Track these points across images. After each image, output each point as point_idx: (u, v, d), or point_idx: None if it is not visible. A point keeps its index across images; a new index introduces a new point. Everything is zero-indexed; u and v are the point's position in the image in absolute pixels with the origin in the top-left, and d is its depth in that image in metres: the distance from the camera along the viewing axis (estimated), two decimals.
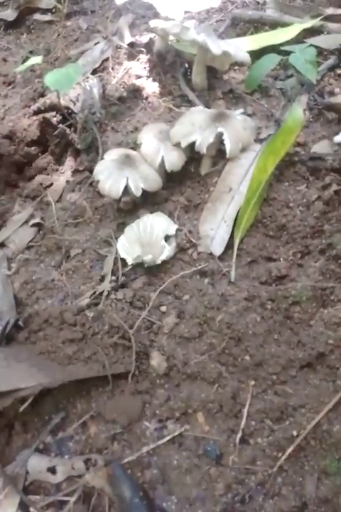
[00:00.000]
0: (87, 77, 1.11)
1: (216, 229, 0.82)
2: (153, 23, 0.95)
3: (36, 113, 1.07)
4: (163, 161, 0.84)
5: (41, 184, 1.05)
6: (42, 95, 1.16)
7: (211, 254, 0.82)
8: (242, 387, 0.74)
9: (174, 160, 0.84)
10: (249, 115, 0.97)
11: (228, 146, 0.81)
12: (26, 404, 0.73)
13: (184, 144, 0.83)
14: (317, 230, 0.77)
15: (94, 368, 0.75)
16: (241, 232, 0.82)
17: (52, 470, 0.72)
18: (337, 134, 0.86)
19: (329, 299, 0.72)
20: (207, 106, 1.00)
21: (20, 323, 0.83)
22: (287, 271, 0.76)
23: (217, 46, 0.86)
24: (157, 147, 0.83)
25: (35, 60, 0.88)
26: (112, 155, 0.83)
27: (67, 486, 0.71)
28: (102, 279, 0.84)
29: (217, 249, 0.81)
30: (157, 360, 0.75)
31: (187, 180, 0.90)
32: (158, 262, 0.79)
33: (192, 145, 0.83)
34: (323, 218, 0.77)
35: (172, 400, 0.73)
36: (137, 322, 0.77)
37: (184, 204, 0.88)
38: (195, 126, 0.82)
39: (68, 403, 0.77)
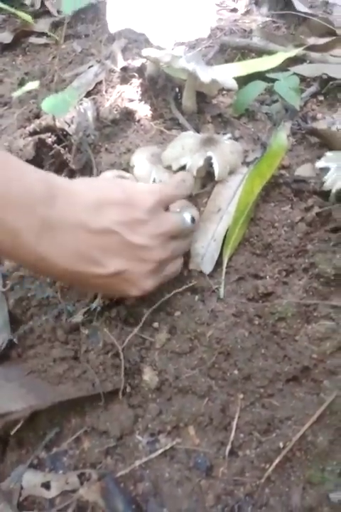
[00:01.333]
0: (81, 100, 1.15)
1: (206, 247, 0.86)
2: (145, 51, 1.00)
3: (32, 134, 1.10)
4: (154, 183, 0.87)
5: None
6: (37, 116, 1.20)
7: (201, 271, 0.86)
8: (231, 401, 0.76)
9: (165, 181, 0.88)
10: (237, 139, 1.02)
11: (216, 170, 0.85)
12: (18, 426, 0.74)
13: (175, 166, 0.87)
14: (300, 249, 0.81)
15: (83, 388, 0.77)
16: (229, 251, 0.86)
17: (47, 485, 0.74)
18: (319, 158, 0.91)
19: (312, 315, 0.75)
20: (197, 129, 1.04)
21: (15, 340, 0.85)
22: (273, 288, 0.80)
23: (206, 74, 0.91)
24: (149, 170, 0.87)
25: (32, 85, 0.92)
26: (106, 176, 0.87)
27: (61, 500, 0.72)
28: (96, 296, 0.86)
29: (207, 267, 0.85)
30: (149, 375, 0.78)
31: None
32: None
33: (183, 168, 0.87)
34: (306, 238, 0.81)
35: (164, 413, 0.76)
36: (128, 339, 0.80)
37: None
38: (185, 150, 0.86)
39: (62, 418, 0.79)
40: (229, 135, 0.91)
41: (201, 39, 1.27)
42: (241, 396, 0.76)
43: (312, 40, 1.21)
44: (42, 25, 1.52)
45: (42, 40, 1.51)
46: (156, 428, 0.75)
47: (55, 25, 1.56)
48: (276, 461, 0.70)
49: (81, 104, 1.13)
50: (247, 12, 1.45)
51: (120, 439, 0.76)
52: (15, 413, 0.74)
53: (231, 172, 0.88)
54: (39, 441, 0.78)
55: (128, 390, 0.79)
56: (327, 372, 0.71)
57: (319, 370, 0.72)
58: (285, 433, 0.72)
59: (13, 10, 0.95)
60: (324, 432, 0.71)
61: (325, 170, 0.81)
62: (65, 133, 1.09)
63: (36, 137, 1.10)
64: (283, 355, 0.76)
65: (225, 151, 0.86)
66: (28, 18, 0.90)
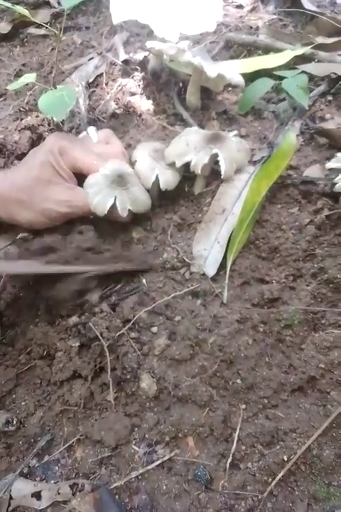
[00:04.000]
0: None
1: (209, 249, 0.82)
2: (149, 43, 0.96)
3: (27, 127, 1.05)
4: (157, 180, 0.84)
5: None
6: (33, 109, 1.16)
7: (204, 274, 0.82)
8: (233, 411, 0.73)
9: (168, 179, 0.84)
10: (243, 137, 0.98)
11: (223, 168, 0.81)
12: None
13: (179, 163, 0.83)
14: (309, 253, 0.77)
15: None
16: (233, 253, 0.82)
17: (37, 495, 0.70)
18: (328, 159, 0.87)
19: (320, 323, 0.72)
20: (201, 126, 1.00)
21: (5, 342, 0.82)
22: (279, 293, 0.76)
23: (213, 69, 0.87)
24: (151, 166, 0.83)
25: (29, 78, 0.87)
26: (106, 169, 0.82)
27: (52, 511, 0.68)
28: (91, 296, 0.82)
29: (211, 269, 0.81)
30: (147, 383, 0.74)
31: (180, 199, 0.90)
32: None
33: (187, 165, 0.84)
34: (315, 242, 0.78)
35: (162, 423, 0.72)
36: (123, 341, 0.76)
37: (177, 222, 0.88)
38: (190, 146, 0.82)
39: (54, 425, 0.75)
40: (235, 132, 0.88)
41: (206, 34, 1.23)
42: (243, 406, 0.73)
43: (320, 39, 1.17)
44: (42, 16, 1.47)
45: (42, 31, 1.46)
46: (154, 438, 0.71)
47: (55, 17, 1.50)
48: (280, 474, 0.67)
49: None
50: (253, 9, 1.42)
51: (115, 448, 0.72)
52: None
53: (238, 171, 0.84)
54: (30, 448, 0.74)
55: (124, 397, 0.75)
56: (335, 383, 0.68)
57: (326, 380, 0.69)
58: (290, 445, 0.69)
59: (9, 4, 0.90)
60: (330, 446, 0.68)
61: (335, 171, 0.77)
62: (57, 123, 1.05)
63: (31, 130, 1.06)
64: (289, 364, 0.73)
65: (232, 148, 0.82)
66: (25, 12, 0.86)
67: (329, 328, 0.71)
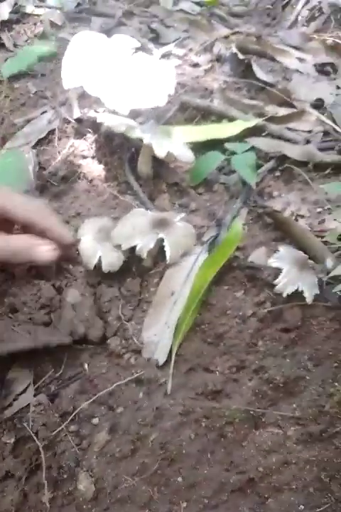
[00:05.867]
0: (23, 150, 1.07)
1: (160, 335, 0.81)
2: (100, 117, 0.94)
3: None
4: (100, 261, 0.82)
5: None
6: None
7: (149, 360, 0.80)
8: (174, 510, 0.71)
9: (112, 261, 0.82)
10: (192, 211, 0.99)
11: (168, 253, 0.81)
12: None
13: (124, 247, 0.82)
14: (251, 345, 0.78)
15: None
16: (179, 338, 0.81)
17: None
18: (274, 240, 0.89)
19: (261, 421, 0.72)
20: (152, 198, 1.00)
21: None
22: (222, 385, 0.76)
23: (162, 149, 0.87)
24: (95, 248, 0.81)
25: None
26: None
27: None
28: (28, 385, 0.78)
29: (161, 356, 0.79)
30: (84, 484, 0.70)
31: (126, 278, 0.89)
32: None
33: (133, 248, 0.82)
34: (258, 335, 0.78)
35: None
36: (61, 437, 0.72)
37: (123, 303, 0.86)
38: (136, 230, 0.82)
39: None
40: (182, 215, 0.87)
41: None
42: (184, 505, 0.71)
43: (271, 109, 1.21)
44: None
45: None
46: None
47: None
48: None
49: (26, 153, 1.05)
50: (210, 69, 1.45)
51: None
52: None
53: (184, 255, 0.84)
54: None
55: (60, 498, 0.71)
56: (273, 488, 0.68)
57: (264, 484, 0.68)
58: None
59: None
60: None
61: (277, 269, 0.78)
62: None
63: None
64: (230, 461, 0.72)
65: (178, 233, 0.82)
66: None
67: (269, 427, 0.71)
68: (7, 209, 0.74)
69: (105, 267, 0.81)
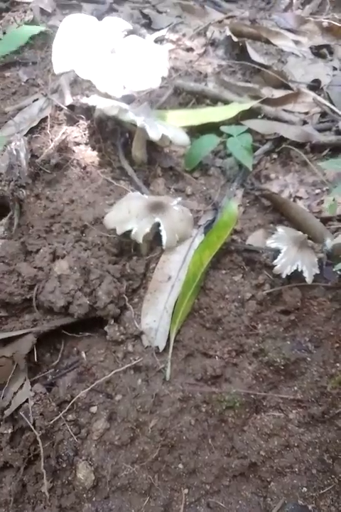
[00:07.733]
0: (13, 137, 1.03)
1: (158, 320, 0.79)
2: (92, 100, 0.92)
3: None
4: None
5: None
6: None
7: (147, 347, 0.79)
8: (175, 497, 0.70)
9: None
10: (188, 196, 0.97)
11: (164, 238, 0.79)
12: None
13: (119, 231, 0.80)
14: (251, 329, 0.76)
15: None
16: (177, 324, 0.79)
17: None
18: (272, 222, 0.88)
19: (261, 405, 0.71)
20: (147, 183, 0.98)
21: None
22: (222, 370, 0.75)
23: (156, 131, 0.85)
24: None
25: None
26: None
27: None
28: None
29: (161, 342, 0.78)
30: (83, 473, 0.69)
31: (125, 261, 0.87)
32: None
33: (129, 232, 0.80)
34: (257, 318, 0.77)
35: None
36: (59, 426, 0.71)
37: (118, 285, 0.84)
38: (132, 214, 0.80)
39: None
40: (178, 199, 0.85)
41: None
42: (185, 491, 0.70)
43: (266, 91, 1.19)
44: None
45: None
46: None
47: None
48: None
49: (11, 142, 1.00)
50: (204, 53, 1.42)
51: None
52: None
53: (181, 240, 0.82)
54: None
55: (59, 487, 0.70)
56: (275, 472, 0.67)
57: (266, 468, 0.67)
58: None
59: None
60: None
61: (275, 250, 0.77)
62: None
63: None
64: (231, 446, 0.71)
65: (174, 218, 0.80)
66: None
67: (270, 410, 0.70)
68: None
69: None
